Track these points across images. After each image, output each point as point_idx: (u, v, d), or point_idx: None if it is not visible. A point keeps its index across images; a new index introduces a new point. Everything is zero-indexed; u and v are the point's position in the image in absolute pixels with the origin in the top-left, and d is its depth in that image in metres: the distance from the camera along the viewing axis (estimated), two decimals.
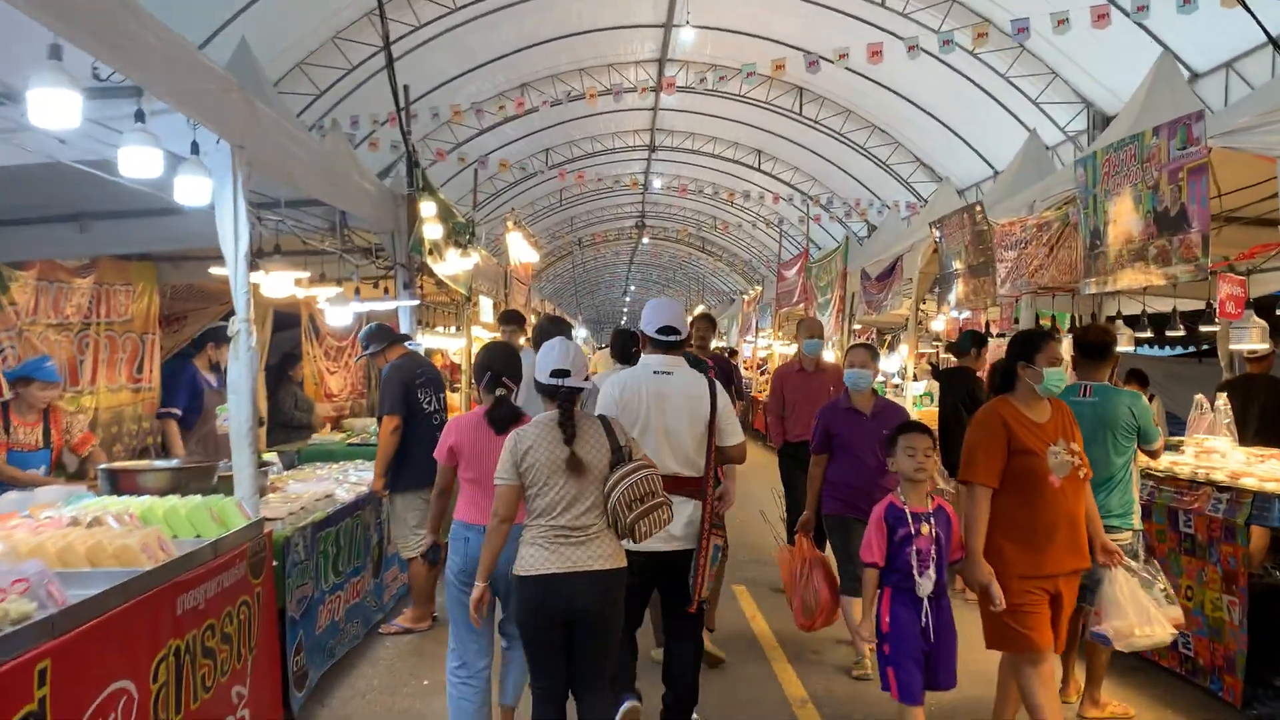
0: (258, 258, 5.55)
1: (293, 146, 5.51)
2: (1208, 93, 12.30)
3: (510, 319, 8.28)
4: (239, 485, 4.65)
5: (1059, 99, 15.11)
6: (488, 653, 4.46)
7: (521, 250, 14.86)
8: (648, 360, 4.58)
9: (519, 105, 16.82)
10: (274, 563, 4.67)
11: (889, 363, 14.14)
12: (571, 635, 3.76)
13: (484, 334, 14.31)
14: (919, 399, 11.42)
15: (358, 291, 7.01)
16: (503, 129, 21.62)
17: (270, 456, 6.60)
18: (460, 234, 10.06)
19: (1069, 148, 15.26)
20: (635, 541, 3.75)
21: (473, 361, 5.36)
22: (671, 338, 4.52)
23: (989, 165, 18.54)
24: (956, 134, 18.63)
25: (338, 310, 6.30)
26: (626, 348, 5.83)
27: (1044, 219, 7.62)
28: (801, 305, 17.12)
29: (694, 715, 4.63)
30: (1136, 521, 4.99)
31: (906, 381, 11.26)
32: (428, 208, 7.99)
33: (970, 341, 8.09)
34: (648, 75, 19.99)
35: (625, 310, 58.20)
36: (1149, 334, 10.27)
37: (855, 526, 5.24)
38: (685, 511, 4.28)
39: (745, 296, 26.40)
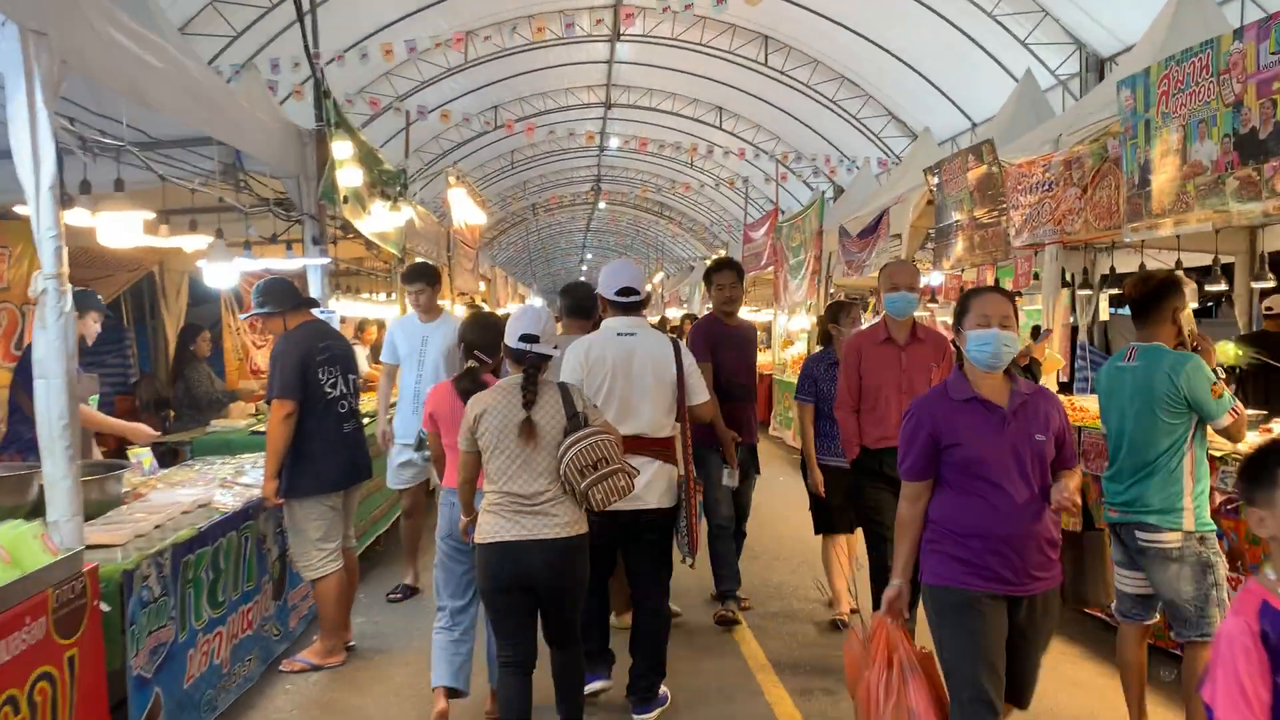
0: (86, 194, 4.21)
1: (140, 50, 4.17)
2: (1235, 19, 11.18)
3: (418, 275, 6.22)
4: (51, 505, 3.36)
5: (1047, 39, 13.95)
6: (469, 611, 4.41)
7: (466, 210, 13.47)
8: (610, 323, 4.52)
9: (457, 43, 15.27)
10: (104, 608, 3.40)
11: None
12: (535, 601, 3.81)
13: None
14: None
15: (248, 246, 5.68)
16: (446, 84, 20.12)
17: (142, 453, 5.29)
18: (388, 184, 8.74)
19: (1058, 94, 14.14)
20: (594, 509, 3.74)
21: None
22: (631, 298, 4.51)
23: (967, 117, 17.42)
24: (933, 84, 17.45)
25: (217, 269, 4.97)
26: (582, 304, 5.16)
27: (1074, 154, 6.47)
28: (771, 268, 15.97)
29: (662, 687, 4.57)
30: (1188, 522, 3.87)
31: None
32: (342, 148, 6.65)
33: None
34: (603, 23, 18.57)
35: (582, 278, 56.78)
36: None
37: (989, 613, 3.21)
38: (649, 471, 4.27)
39: (708, 261, 25.18)
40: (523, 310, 3.93)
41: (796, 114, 22.19)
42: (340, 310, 9.17)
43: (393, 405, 6.51)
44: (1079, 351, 11.66)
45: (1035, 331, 11.36)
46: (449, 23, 16.55)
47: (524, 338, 3.80)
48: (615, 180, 34.69)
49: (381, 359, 6.44)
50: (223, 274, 5.02)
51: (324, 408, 4.95)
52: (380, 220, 8.40)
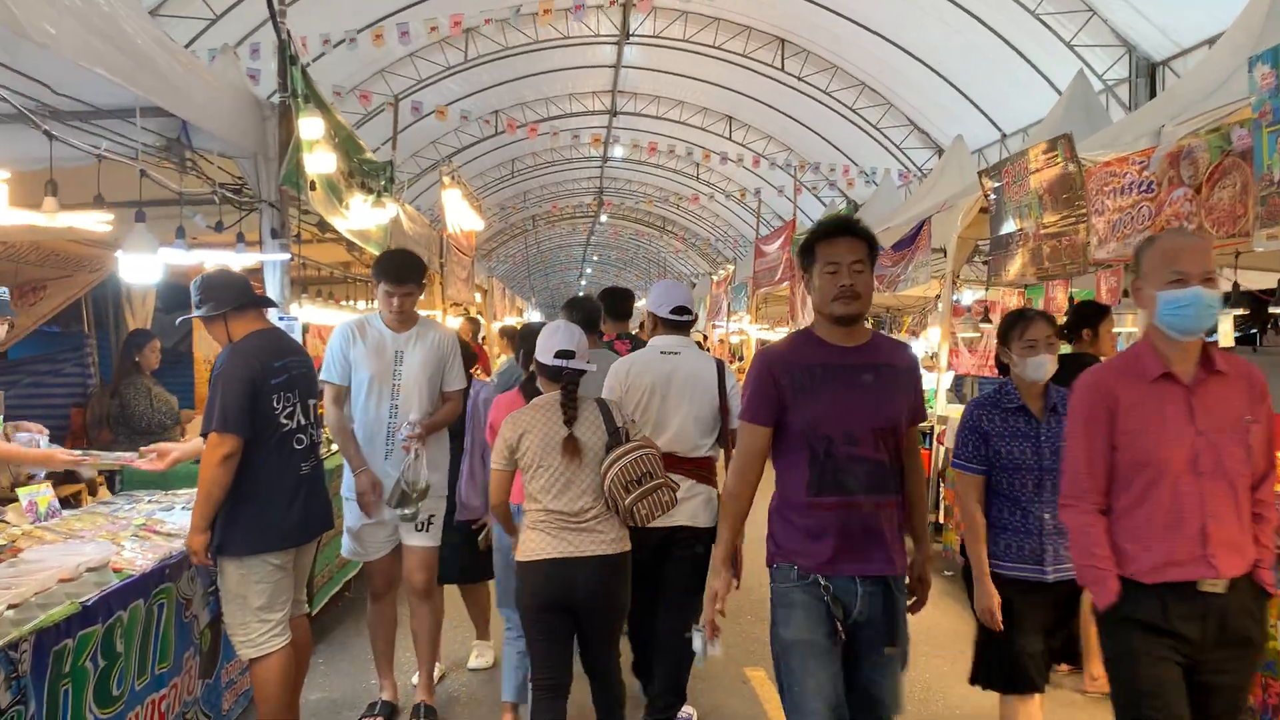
0: None
1: None
2: None
3: (408, 272, 4.47)
4: None
5: (1093, 41, 12.94)
6: None
7: (461, 214, 12.43)
8: (656, 342, 4.48)
9: (455, 27, 14.17)
10: None
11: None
12: (575, 623, 3.74)
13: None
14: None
15: (180, 233, 4.60)
16: (445, 85, 19.14)
17: (37, 490, 4.18)
18: (371, 175, 7.69)
19: (1102, 100, 13.12)
20: (638, 525, 3.70)
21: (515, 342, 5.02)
22: (684, 318, 4.49)
23: (996, 128, 16.42)
24: (960, 91, 16.45)
25: (137, 261, 3.88)
26: (591, 318, 4.90)
27: (1182, 146, 5.42)
28: (786, 284, 14.91)
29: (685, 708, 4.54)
30: None
31: (939, 374, 9.04)
32: (311, 126, 5.60)
33: (1079, 319, 5.83)
34: (611, 24, 17.59)
35: (581, 294, 55.76)
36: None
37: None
38: (681, 489, 4.04)
39: (715, 277, 24.12)
40: (555, 327, 3.87)
41: (811, 124, 21.21)
42: (316, 318, 8.10)
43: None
44: None
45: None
46: (448, 8, 15.43)
47: (560, 354, 3.76)
48: (618, 193, 33.69)
49: (324, 377, 4.42)
50: (144, 268, 3.95)
51: (278, 443, 3.85)
52: (361, 217, 7.35)
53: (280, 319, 5.38)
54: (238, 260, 5.06)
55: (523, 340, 4.61)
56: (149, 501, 4.79)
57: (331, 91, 13.70)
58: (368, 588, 4.76)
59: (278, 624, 3.88)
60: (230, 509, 3.79)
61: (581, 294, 6.39)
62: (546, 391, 3.82)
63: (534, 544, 3.66)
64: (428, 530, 4.57)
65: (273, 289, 5.35)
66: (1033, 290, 11.03)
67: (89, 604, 3.20)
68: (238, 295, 3.98)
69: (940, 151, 18.21)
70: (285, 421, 3.87)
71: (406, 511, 4.36)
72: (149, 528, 4.16)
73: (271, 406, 3.82)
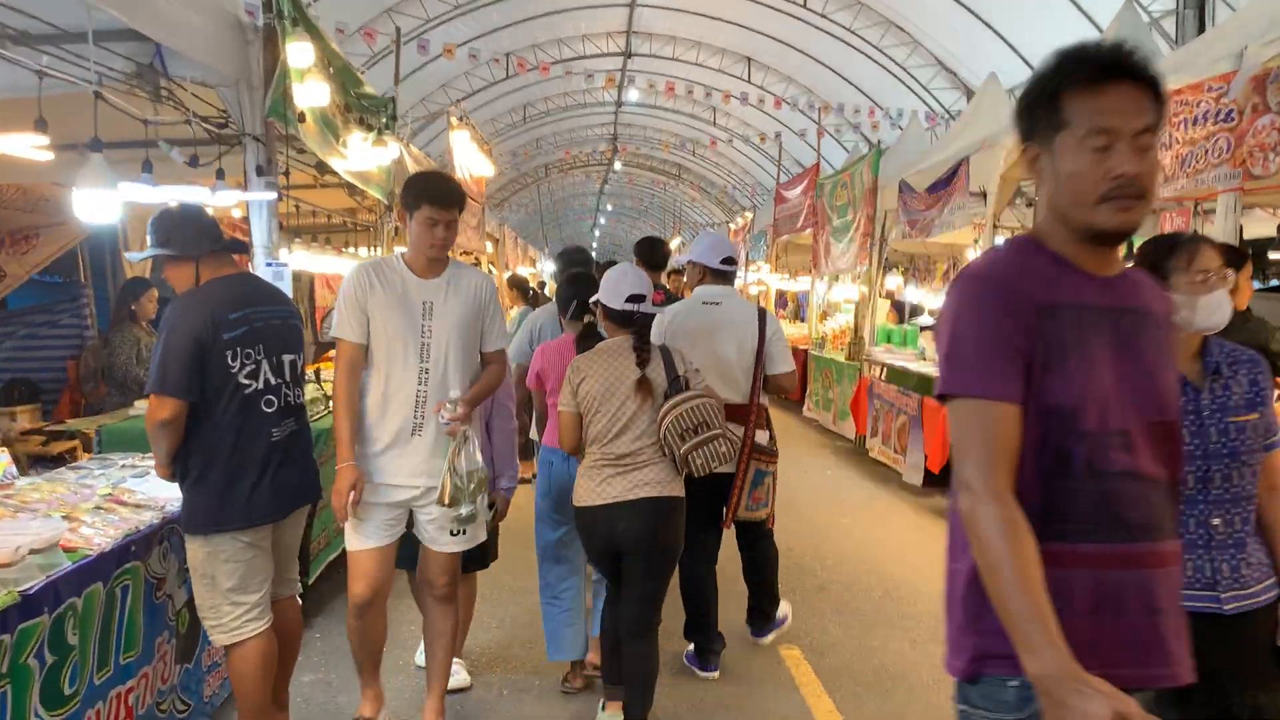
0: None
1: None
2: None
3: (448, 194, 3.57)
4: None
5: None
6: (569, 575, 4.35)
7: (471, 158, 11.87)
8: (700, 291, 4.62)
9: None
10: None
11: (933, 302, 11.33)
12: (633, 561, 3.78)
13: None
14: None
15: (147, 166, 4.10)
16: (454, 26, 18.40)
17: None
18: (371, 113, 7.15)
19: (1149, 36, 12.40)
20: (694, 474, 3.68)
21: (556, 290, 4.65)
22: (731, 268, 4.66)
23: (1029, 66, 15.62)
24: (991, 27, 15.67)
25: (92, 197, 3.39)
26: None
27: (1269, 69, 4.85)
28: (809, 231, 14.33)
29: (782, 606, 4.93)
30: None
31: None
32: (300, 52, 5.07)
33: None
34: None
35: (595, 244, 55.04)
36: None
37: None
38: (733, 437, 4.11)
39: (733, 226, 23.51)
40: (623, 271, 3.84)
41: (833, 64, 20.40)
42: (309, 265, 7.61)
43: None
44: None
45: None
46: None
47: (632, 298, 3.75)
48: (633, 139, 32.89)
49: (336, 333, 3.60)
50: (100, 205, 3.46)
51: (240, 406, 3.38)
52: (360, 157, 6.84)
53: (268, 265, 4.92)
54: (216, 200, 4.56)
55: (577, 289, 4.33)
56: (123, 466, 4.35)
57: (334, 29, 13.07)
58: (352, 601, 3.70)
59: (253, 607, 3.44)
60: (191, 481, 3.34)
61: (576, 246, 5.80)
62: (612, 336, 3.82)
63: (586, 490, 3.72)
64: (464, 533, 3.73)
65: (259, 232, 4.87)
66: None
67: (30, 593, 2.77)
68: (206, 236, 3.49)
69: (969, 93, 17.46)
70: (247, 381, 3.39)
71: (463, 511, 3.57)
72: (115, 498, 3.72)
73: (226, 364, 3.34)
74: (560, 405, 3.79)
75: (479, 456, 3.62)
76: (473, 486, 3.57)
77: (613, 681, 3.95)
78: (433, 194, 3.52)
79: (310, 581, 5.17)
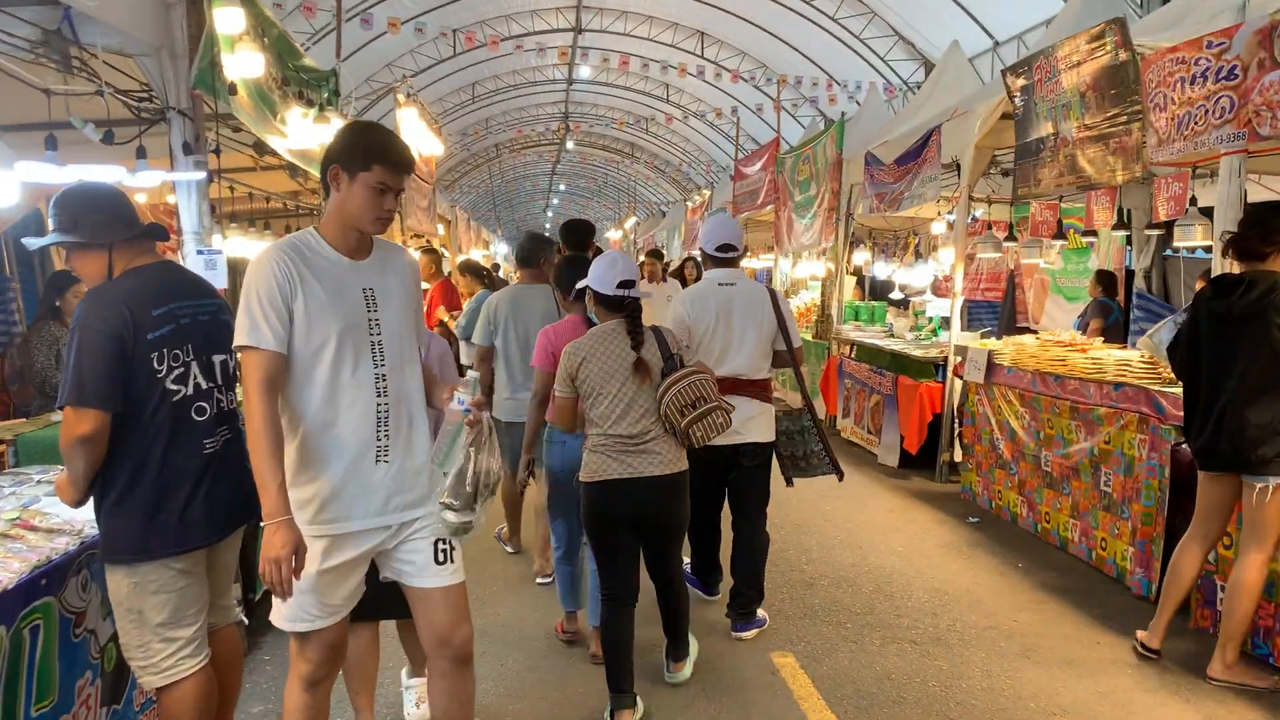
0: None
1: None
2: None
3: (400, 157, 2.78)
4: None
5: None
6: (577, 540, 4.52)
7: (419, 136, 11.36)
8: (712, 275, 4.84)
9: None
10: None
11: (915, 276, 11.00)
12: (639, 538, 3.92)
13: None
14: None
15: (51, 142, 3.63)
16: (396, 2, 17.74)
17: None
18: (311, 87, 6.68)
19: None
20: (694, 446, 3.81)
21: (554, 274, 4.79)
22: (730, 254, 4.84)
23: (989, 35, 15.43)
24: None
25: None
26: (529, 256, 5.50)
27: (1276, 20, 4.55)
28: (771, 207, 13.99)
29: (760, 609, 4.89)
30: None
31: (953, 299, 8.21)
32: (230, 17, 4.60)
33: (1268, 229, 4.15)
34: None
35: (548, 225, 54.36)
36: None
37: None
38: (749, 410, 4.58)
39: (690, 204, 23.11)
40: (613, 258, 3.89)
41: (788, 38, 20.04)
42: (247, 251, 7.10)
43: None
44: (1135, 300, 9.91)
45: (1103, 279, 9.57)
46: None
47: (623, 284, 3.82)
48: (585, 117, 32.28)
49: (248, 341, 2.64)
50: None
51: (167, 415, 2.94)
52: (301, 134, 6.38)
53: (199, 252, 4.45)
54: (138, 181, 4.09)
55: (577, 271, 4.28)
56: (39, 481, 3.88)
57: (272, 2, 12.43)
58: (296, 668, 2.93)
59: (188, 642, 3.01)
60: (111, 503, 2.91)
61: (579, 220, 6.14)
62: (603, 321, 3.90)
63: (596, 465, 3.79)
64: (450, 559, 2.98)
65: (188, 216, 4.41)
66: (1069, 204, 10.17)
67: None
68: (121, 222, 3.02)
69: (928, 65, 17.21)
70: (175, 387, 2.95)
71: (467, 519, 3.00)
72: (24, 523, 3.26)
73: (151, 368, 2.89)
74: (557, 390, 3.88)
75: (498, 454, 3.12)
76: (489, 491, 3.06)
77: (621, 689, 3.84)
78: (388, 153, 2.76)
79: (257, 596, 4.74)
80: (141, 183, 4.15)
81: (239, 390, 3.15)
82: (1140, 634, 4.57)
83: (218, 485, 3.04)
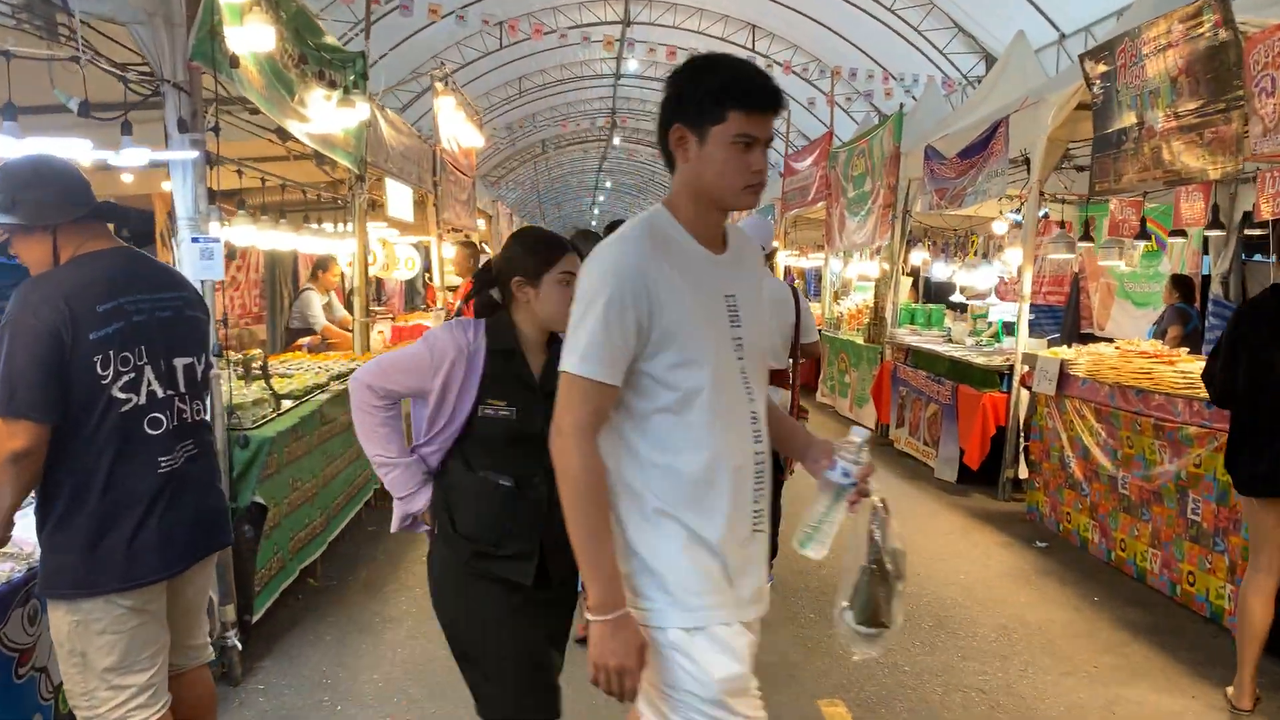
0: None
1: None
2: None
3: None
4: None
5: None
6: None
7: (457, 127, 10.98)
8: None
9: None
10: None
11: (978, 277, 10.37)
12: None
13: (392, 235, 10.55)
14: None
15: (11, 112, 3.24)
16: None
17: None
18: (336, 68, 6.28)
19: None
20: None
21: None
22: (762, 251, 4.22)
23: (1055, 28, 14.70)
24: None
25: None
26: None
27: None
28: (822, 204, 13.43)
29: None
30: None
31: (1021, 304, 7.63)
32: None
33: None
34: None
35: (594, 222, 54.03)
36: None
37: None
38: (773, 398, 3.65)
39: None
40: None
41: (841, 30, 19.41)
42: (250, 240, 6.69)
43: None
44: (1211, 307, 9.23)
45: (1180, 283, 8.91)
46: None
47: None
48: (632, 113, 31.85)
49: (579, 370, 1.96)
50: None
51: (114, 428, 2.52)
52: (323, 118, 5.98)
53: (194, 240, 4.04)
54: (122, 160, 3.68)
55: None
56: None
57: None
58: None
59: (141, 690, 2.59)
60: (50, 529, 2.49)
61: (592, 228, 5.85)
62: None
63: None
64: None
65: (182, 201, 3.99)
66: (1152, 210, 9.51)
67: None
68: (71, 199, 2.60)
69: (988, 57, 16.53)
70: (124, 395, 2.53)
71: (874, 631, 2.30)
72: None
73: (95, 374, 2.48)
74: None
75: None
76: (900, 586, 2.35)
77: None
78: (747, 93, 1.96)
79: (255, 619, 4.33)
80: (128, 161, 3.75)
81: (207, 400, 2.73)
82: (1229, 690, 4.03)
83: (175, 510, 2.61)
